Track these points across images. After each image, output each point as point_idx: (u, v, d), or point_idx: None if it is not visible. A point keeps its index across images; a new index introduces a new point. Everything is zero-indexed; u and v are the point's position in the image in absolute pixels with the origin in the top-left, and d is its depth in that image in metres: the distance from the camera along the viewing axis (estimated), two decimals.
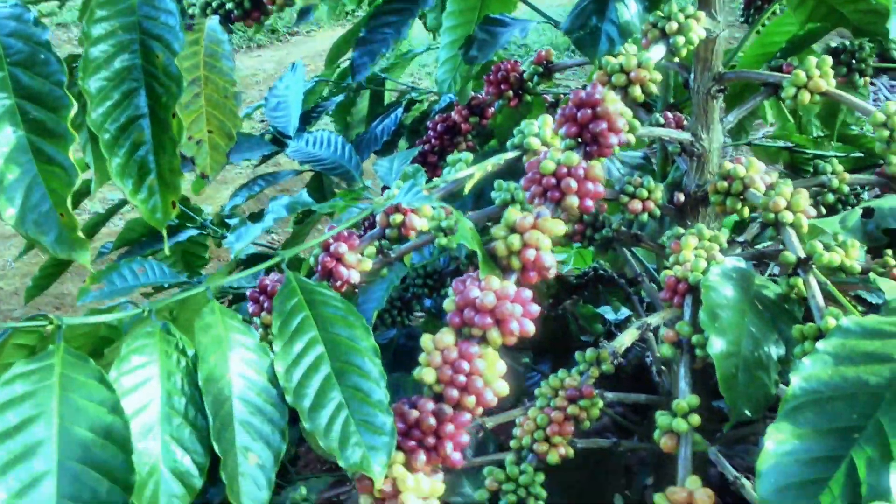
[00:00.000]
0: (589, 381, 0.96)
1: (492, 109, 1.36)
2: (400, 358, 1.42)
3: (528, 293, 0.75)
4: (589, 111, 0.79)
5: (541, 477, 0.91)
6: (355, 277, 0.92)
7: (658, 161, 1.21)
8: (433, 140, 1.40)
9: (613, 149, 0.80)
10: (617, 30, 0.94)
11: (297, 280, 0.79)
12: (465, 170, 0.93)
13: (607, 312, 1.81)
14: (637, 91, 0.83)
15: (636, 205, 1.02)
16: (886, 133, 0.82)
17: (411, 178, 1.20)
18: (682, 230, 0.98)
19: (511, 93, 1.25)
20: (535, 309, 0.75)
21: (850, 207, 1.11)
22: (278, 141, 1.56)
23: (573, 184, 0.77)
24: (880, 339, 0.67)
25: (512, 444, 0.95)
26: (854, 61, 1.06)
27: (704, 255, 0.92)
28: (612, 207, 1.09)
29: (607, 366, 0.98)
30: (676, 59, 0.91)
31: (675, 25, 0.86)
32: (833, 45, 1.08)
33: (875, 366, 0.66)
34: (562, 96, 1.41)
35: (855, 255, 0.92)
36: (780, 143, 1.42)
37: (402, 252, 1.01)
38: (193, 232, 1.58)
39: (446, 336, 0.74)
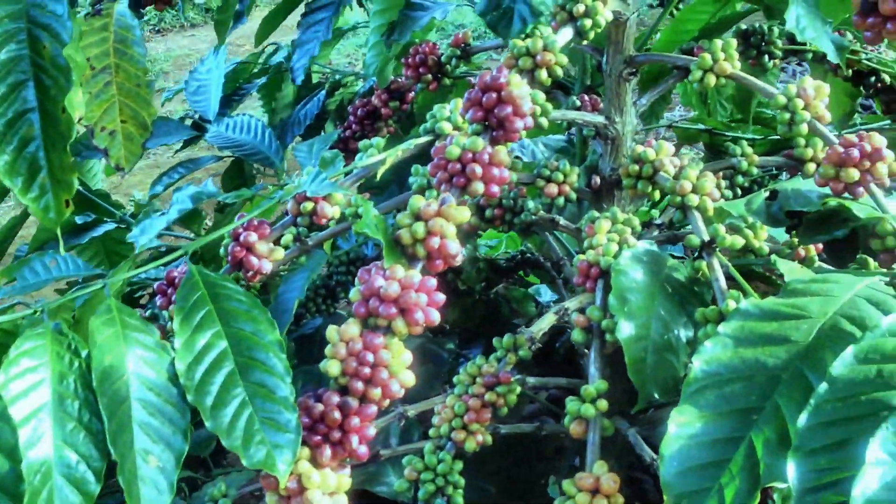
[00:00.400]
0: (506, 368, 0.96)
1: (412, 93, 1.35)
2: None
3: (432, 282, 0.74)
4: (494, 95, 0.78)
5: (459, 465, 0.91)
6: (267, 267, 0.90)
7: (577, 144, 1.21)
8: (354, 125, 1.38)
9: (520, 133, 0.79)
10: (529, 9, 0.93)
11: (200, 274, 0.77)
12: (376, 156, 0.92)
13: (546, 293, 1.82)
14: (543, 75, 0.82)
15: (552, 189, 1.02)
16: (787, 116, 0.83)
17: (330, 163, 1.18)
18: (597, 214, 0.98)
19: (430, 76, 1.23)
20: (441, 298, 0.74)
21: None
22: (199, 126, 1.52)
23: (478, 169, 0.76)
24: (777, 321, 0.68)
25: (431, 432, 0.95)
26: (764, 44, 1.08)
27: (617, 238, 0.92)
28: (532, 191, 1.09)
29: (524, 351, 0.98)
30: (585, 43, 0.91)
31: (581, 8, 0.86)
32: (744, 27, 1.09)
33: (772, 347, 0.67)
34: None
35: (763, 237, 0.94)
36: (700, 126, 1.44)
37: (320, 239, 0.99)
38: (111, 226, 1.54)
39: (351, 327, 0.73)
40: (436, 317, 0.73)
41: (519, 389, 0.95)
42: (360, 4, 1.76)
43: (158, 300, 0.91)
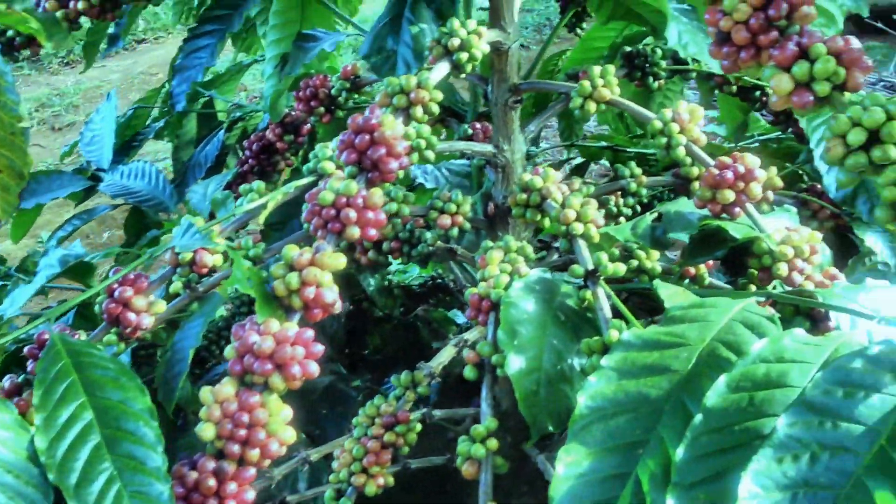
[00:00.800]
0: (406, 406, 0.94)
1: (307, 126, 1.32)
2: None
3: (309, 333, 0.71)
4: (367, 137, 0.76)
5: None
6: (147, 322, 0.87)
7: (474, 170, 1.20)
8: (250, 160, 1.35)
9: (395, 174, 0.77)
10: (412, 53, 0.92)
11: (63, 342, 0.73)
12: (256, 200, 0.89)
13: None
14: (419, 112, 0.81)
15: (445, 220, 1.01)
16: (664, 140, 0.83)
17: (221, 205, 1.15)
18: (491, 244, 0.97)
19: (322, 109, 1.21)
20: (319, 349, 0.71)
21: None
22: (95, 176, 1.47)
23: (352, 214, 0.74)
24: (658, 351, 0.68)
25: (331, 478, 0.92)
26: (647, 65, 1.08)
27: (509, 269, 0.91)
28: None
29: (423, 388, 0.96)
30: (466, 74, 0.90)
31: (456, 42, 0.85)
32: (628, 49, 1.10)
33: (654, 378, 0.66)
34: None
35: (655, 257, 0.95)
36: (602, 143, 1.45)
37: (211, 285, 0.96)
38: None
39: (226, 387, 0.70)
40: (314, 369, 0.70)
41: (419, 427, 0.93)
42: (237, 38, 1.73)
43: (30, 365, 0.87)
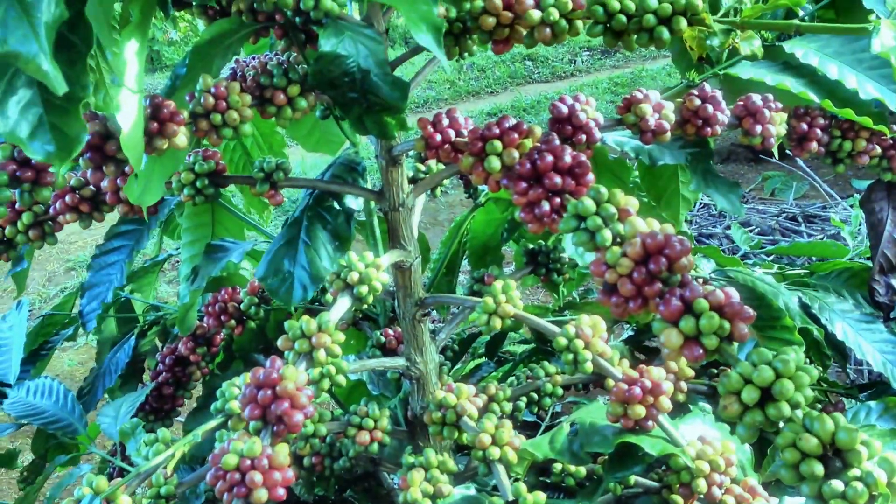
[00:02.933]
0: None
1: (220, 336, 1.30)
2: None
3: None
4: (269, 392, 0.75)
5: None
6: None
7: (391, 377, 1.19)
8: (165, 373, 1.31)
9: (301, 424, 0.75)
10: (308, 276, 0.92)
11: None
12: (163, 452, 0.86)
13: None
14: (321, 355, 0.80)
15: (364, 437, 0.99)
16: (571, 356, 0.84)
17: (130, 435, 1.11)
18: (411, 458, 0.95)
19: (233, 322, 1.19)
20: None
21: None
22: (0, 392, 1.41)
23: (258, 478, 0.71)
24: None
25: None
26: (550, 262, 1.11)
27: (431, 490, 0.89)
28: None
29: None
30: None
31: (356, 276, 0.85)
32: (530, 246, 1.13)
33: None
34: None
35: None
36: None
37: None
38: None
39: None
40: None
41: None
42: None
43: None
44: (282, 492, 0.73)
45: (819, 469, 0.56)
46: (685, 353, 0.61)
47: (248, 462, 0.72)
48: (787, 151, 1.03)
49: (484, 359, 1.62)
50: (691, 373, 0.97)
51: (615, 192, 0.68)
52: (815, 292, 1.07)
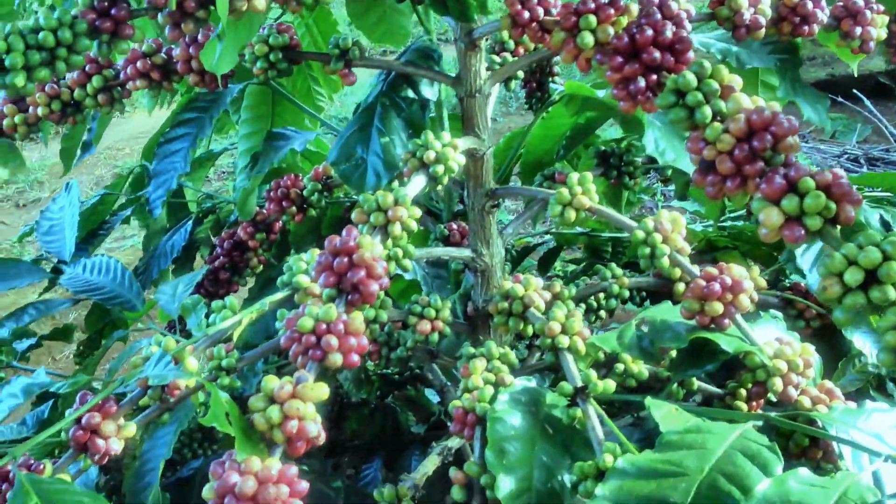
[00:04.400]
0: None
1: (279, 224, 1.30)
2: None
3: (293, 470, 0.68)
4: (345, 260, 0.74)
5: None
6: (116, 447, 0.83)
7: (451, 271, 1.18)
8: (222, 257, 1.32)
9: (376, 295, 0.75)
10: (382, 163, 0.91)
11: (30, 481, 0.68)
12: (230, 318, 0.86)
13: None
14: (397, 230, 0.79)
15: (425, 326, 0.99)
16: (648, 251, 0.82)
17: (191, 311, 1.11)
18: (472, 349, 0.94)
19: (294, 209, 1.19)
20: (304, 486, 0.68)
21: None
22: (55, 267, 1.43)
23: (334, 341, 0.71)
24: (655, 480, 0.65)
25: None
26: (623, 164, 1.08)
27: (493, 378, 0.88)
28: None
29: (407, 502, 0.92)
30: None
31: (432, 155, 0.84)
32: (602, 148, 1.10)
33: None
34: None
35: (641, 363, 0.93)
36: (578, 230, 1.44)
37: (180, 398, 0.92)
38: None
39: None
40: None
41: None
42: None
43: None
44: (356, 358, 0.73)
45: None
46: (785, 234, 0.58)
47: (324, 326, 0.72)
48: (854, 91, 0.99)
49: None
50: (763, 283, 0.95)
51: (719, 69, 0.65)
52: None
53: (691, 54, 0.68)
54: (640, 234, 0.83)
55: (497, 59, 1.08)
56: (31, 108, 1.02)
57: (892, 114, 3.53)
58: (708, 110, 0.63)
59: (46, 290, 1.51)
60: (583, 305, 1.06)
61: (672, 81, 0.65)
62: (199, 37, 0.94)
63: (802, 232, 0.58)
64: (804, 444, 0.76)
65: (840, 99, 3.33)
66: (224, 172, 4.36)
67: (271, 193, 1.19)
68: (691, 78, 0.64)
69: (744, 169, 0.61)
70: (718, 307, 0.78)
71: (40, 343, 1.55)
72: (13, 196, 4.41)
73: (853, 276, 0.54)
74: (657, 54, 0.67)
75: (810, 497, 0.56)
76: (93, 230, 1.58)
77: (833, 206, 0.57)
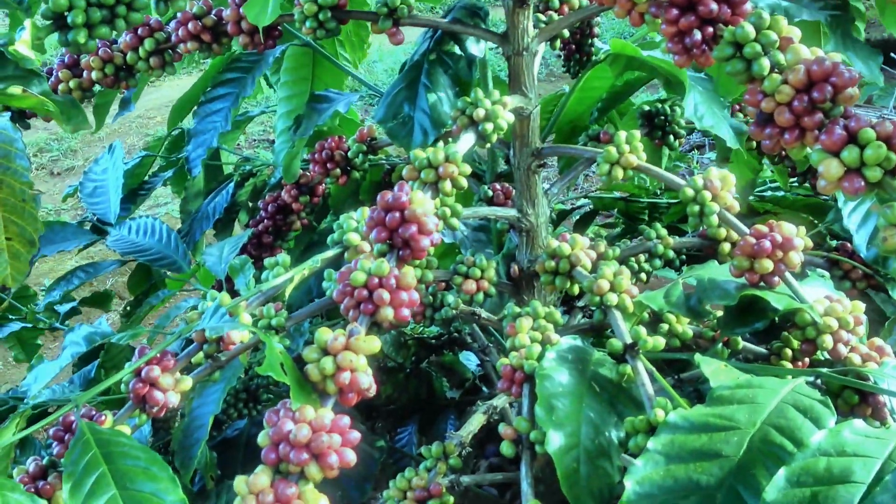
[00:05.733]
0: (438, 478, 0.92)
1: (322, 186, 1.31)
2: (253, 450, 1.35)
3: (345, 420, 0.69)
4: (397, 215, 0.75)
5: None
6: (174, 400, 0.85)
7: (493, 231, 1.18)
8: (266, 220, 1.34)
9: (427, 250, 0.76)
10: (430, 120, 0.91)
11: (91, 431, 0.70)
12: (282, 275, 0.87)
13: (475, 358, 1.78)
14: (447, 186, 0.80)
15: (470, 285, 0.99)
16: (697, 208, 0.82)
17: (239, 271, 1.13)
18: (517, 309, 0.95)
19: (338, 171, 1.20)
20: (356, 436, 0.69)
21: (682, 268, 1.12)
22: (99, 229, 1.45)
23: (386, 295, 0.72)
24: (707, 434, 0.66)
25: None
26: (667, 124, 1.08)
27: (540, 337, 0.89)
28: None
29: (454, 459, 0.94)
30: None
31: (482, 112, 0.84)
32: (647, 108, 1.09)
33: (704, 463, 0.64)
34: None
35: (685, 322, 0.93)
36: (615, 194, 1.44)
37: (233, 355, 0.94)
38: (16, 326, 1.49)
39: (261, 477, 0.67)
40: (351, 457, 0.68)
41: (452, 500, 0.91)
42: (270, 85, 1.72)
43: (55, 448, 0.84)
44: (407, 312, 0.74)
45: None
46: (844, 186, 0.58)
47: (377, 280, 0.73)
48: (892, 55, 0.97)
49: None
50: (810, 243, 0.94)
51: (777, 20, 0.64)
52: None
53: (748, 6, 0.68)
54: (690, 192, 0.82)
55: (542, 17, 1.08)
56: (84, 73, 1.03)
57: None
58: (766, 62, 0.63)
59: (83, 250, 1.53)
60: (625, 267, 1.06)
61: (730, 33, 0.65)
62: None
63: (862, 183, 0.57)
64: (853, 402, 0.76)
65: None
66: (255, 140, 4.38)
67: (316, 155, 1.20)
68: (749, 29, 0.64)
69: (803, 120, 0.60)
70: (768, 264, 0.78)
71: (79, 310, 1.59)
72: (48, 164, 4.47)
73: None
74: (714, 6, 0.67)
75: (866, 447, 0.56)
76: (133, 190, 1.61)
77: (894, 157, 0.57)
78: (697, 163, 2.90)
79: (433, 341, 1.69)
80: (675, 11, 0.68)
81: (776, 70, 0.63)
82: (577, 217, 1.64)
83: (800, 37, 0.64)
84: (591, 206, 1.59)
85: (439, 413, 1.69)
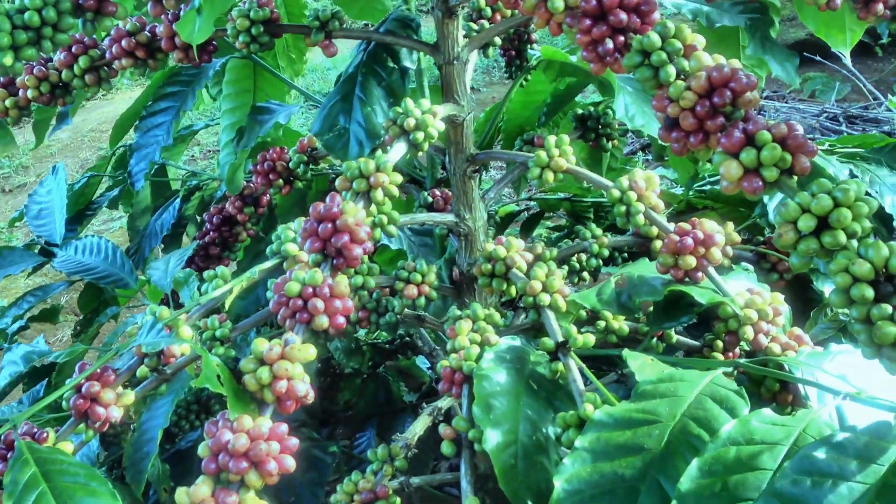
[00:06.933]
0: (384, 480, 0.93)
1: (267, 197, 1.32)
2: None
3: (283, 428, 0.71)
4: (329, 225, 0.77)
5: None
6: (116, 414, 0.86)
7: (436, 236, 1.21)
8: (211, 232, 1.34)
9: (360, 259, 0.78)
10: (364, 132, 0.93)
11: (29, 449, 0.71)
12: (221, 287, 0.89)
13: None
14: (379, 195, 0.82)
15: (412, 290, 1.01)
16: (623, 209, 0.85)
17: (184, 284, 1.14)
18: (459, 312, 0.97)
19: (281, 181, 1.21)
20: (294, 442, 0.71)
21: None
22: (47, 251, 1.45)
23: (320, 304, 0.74)
24: (630, 429, 0.68)
25: None
26: (600, 126, 1.11)
27: (479, 339, 0.92)
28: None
29: (400, 461, 0.96)
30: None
31: (412, 122, 0.86)
32: (580, 111, 1.12)
33: (629, 458, 0.66)
34: None
35: (622, 318, 0.96)
36: (560, 195, 1.47)
37: (178, 367, 0.95)
38: None
39: (202, 488, 0.69)
40: (290, 463, 0.70)
41: (398, 501, 0.93)
42: (213, 98, 1.73)
43: None
44: (342, 320, 0.76)
45: (869, 293, 0.57)
46: (744, 186, 0.61)
47: (311, 290, 0.75)
48: (833, 50, 1.01)
49: None
50: (738, 238, 0.98)
51: (682, 28, 0.67)
52: (866, 164, 1.07)
53: (656, 15, 0.70)
54: (616, 193, 0.85)
55: (475, 26, 1.10)
56: (20, 91, 1.04)
57: (870, 72, 3.55)
58: (672, 69, 0.66)
59: (32, 273, 1.53)
60: (565, 267, 1.09)
61: (637, 42, 0.68)
62: (181, 12, 0.96)
63: (760, 183, 0.60)
64: (775, 389, 0.79)
65: (819, 58, 3.36)
66: (210, 151, 4.36)
67: (258, 167, 1.21)
68: (655, 38, 0.67)
69: (706, 124, 0.63)
70: (692, 261, 0.81)
71: (28, 326, 1.58)
72: None
73: (806, 223, 0.57)
74: (623, 16, 0.69)
75: (772, 434, 0.59)
76: (80, 211, 1.60)
77: (788, 157, 0.60)
78: (643, 163, 2.96)
79: (387, 346, 1.71)
80: (587, 21, 0.71)
81: (681, 77, 0.66)
82: (524, 218, 1.66)
83: (704, 44, 0.67)
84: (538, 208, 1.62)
85: (398, 417, 1.70)
